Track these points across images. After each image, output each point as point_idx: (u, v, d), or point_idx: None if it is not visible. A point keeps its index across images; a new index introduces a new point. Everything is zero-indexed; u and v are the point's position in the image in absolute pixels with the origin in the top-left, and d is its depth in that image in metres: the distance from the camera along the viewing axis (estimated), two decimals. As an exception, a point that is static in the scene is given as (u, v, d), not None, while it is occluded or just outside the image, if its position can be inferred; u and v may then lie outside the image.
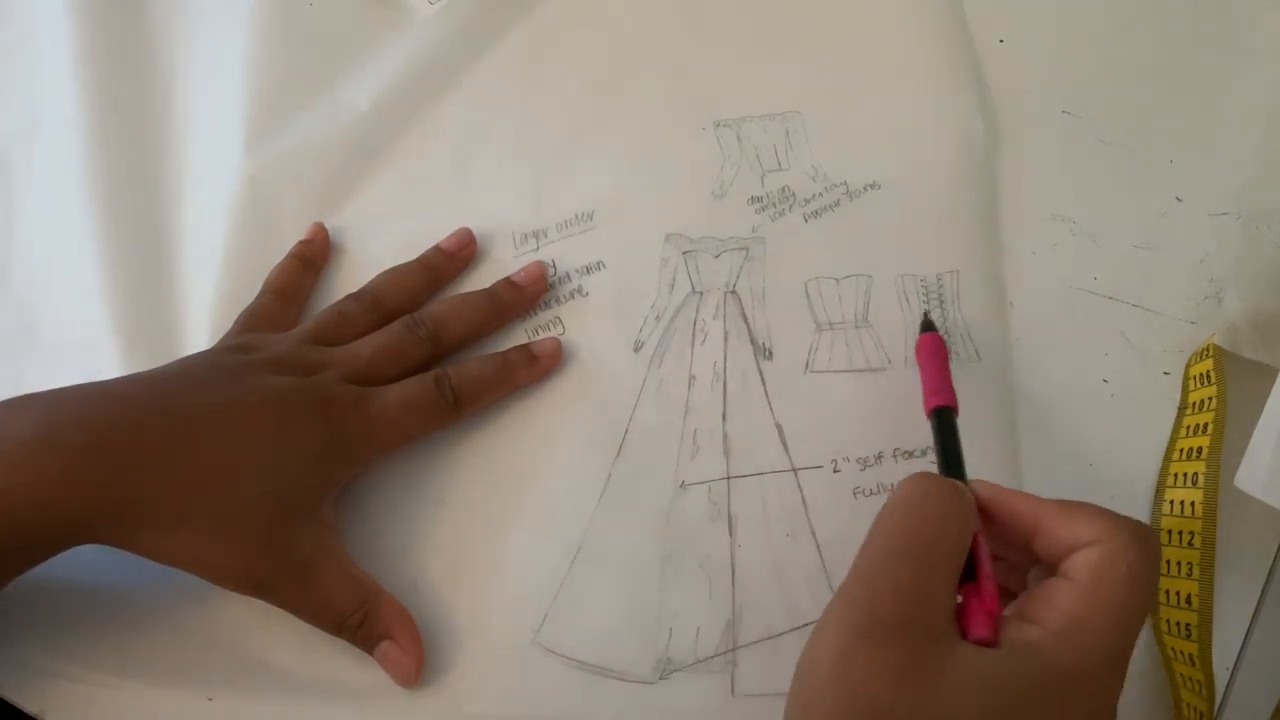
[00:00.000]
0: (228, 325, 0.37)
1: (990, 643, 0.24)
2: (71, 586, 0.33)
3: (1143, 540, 0.25)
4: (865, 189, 0.41)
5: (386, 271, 0.39)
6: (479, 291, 0.38)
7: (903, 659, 0.23)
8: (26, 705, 0.32)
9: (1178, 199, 0.41)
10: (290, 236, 0.40)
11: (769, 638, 0.33)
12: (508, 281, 0.39)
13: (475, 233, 0.40)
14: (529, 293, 0.39)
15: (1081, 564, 0.25)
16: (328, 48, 0.44)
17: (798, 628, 0.34)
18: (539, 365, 0.37)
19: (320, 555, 0.32)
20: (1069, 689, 0.23)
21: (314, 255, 0.40)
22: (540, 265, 0.39)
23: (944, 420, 0.32)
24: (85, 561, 0.33)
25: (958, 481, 0.28)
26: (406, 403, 0.34)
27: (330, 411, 0.33)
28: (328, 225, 0.41)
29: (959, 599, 0.25)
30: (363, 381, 0.34)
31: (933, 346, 0.36)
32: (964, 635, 0.25)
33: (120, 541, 0.30)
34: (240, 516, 0.31)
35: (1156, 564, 0.26)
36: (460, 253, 0.40)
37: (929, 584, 0.25)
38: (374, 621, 0.32)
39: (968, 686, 0.23)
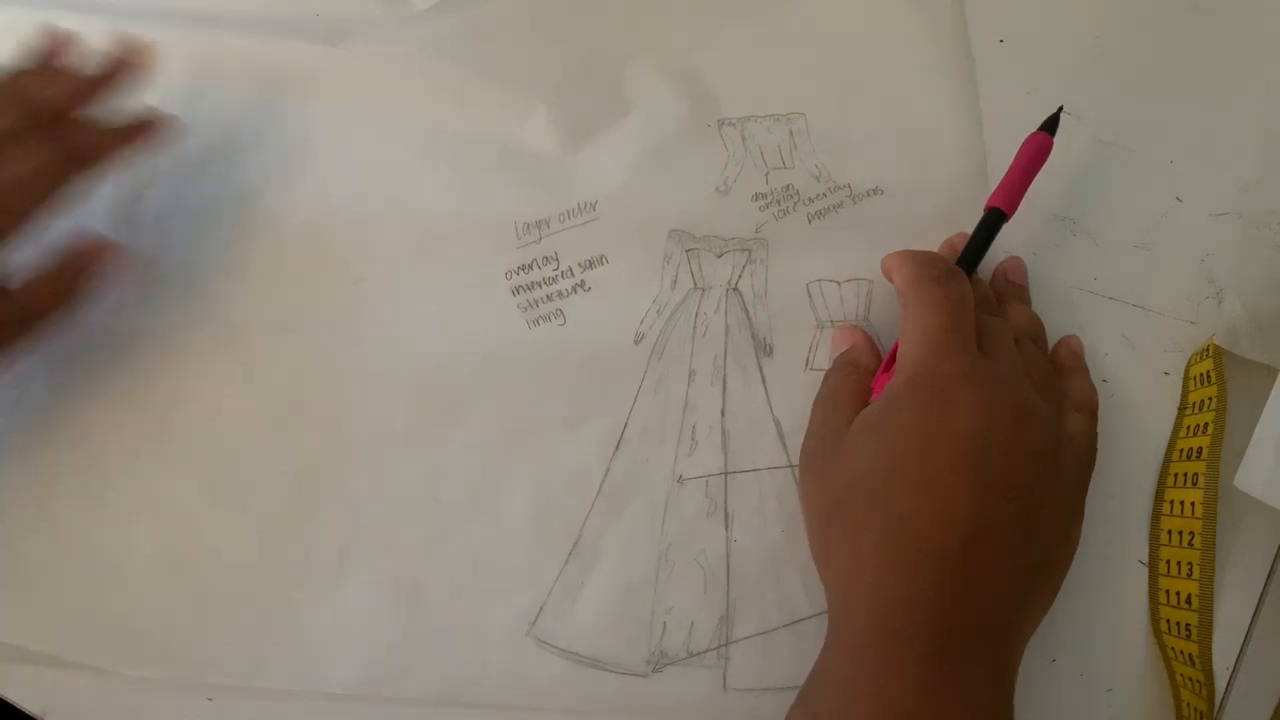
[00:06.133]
0: None
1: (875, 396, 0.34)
2: (72, 587, 0.34)
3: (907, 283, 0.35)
4: (869, 194, 0.41)
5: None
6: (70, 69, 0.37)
7: (822, 465, 0.33)
8: (27, 705, 0.32)
9: (1178, 199, 0.41)
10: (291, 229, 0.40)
11: (762, 633, 0.33)
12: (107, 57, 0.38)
13: (477, 224, 0.40)
14: (126, 65, 0.38)
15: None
16: (327, 39, 0.44)
17: (791, 623, 0.34)
18: (157, 128, 0.37)
19: None
20: (898, 397, 0.32)
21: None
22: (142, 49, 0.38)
23: (988, 220, 0.37)
24: (85, 563, 0.33)
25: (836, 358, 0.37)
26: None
27: None
28: (329, 220, 0.41)
29: None
30: None
31: (1032, 150, 0.37)
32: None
33: None
34: None
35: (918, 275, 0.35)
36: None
37: (830, 420, 0.34)
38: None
39: (856, 429, 0.32)
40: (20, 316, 0.35)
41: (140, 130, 0.38)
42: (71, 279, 0.36)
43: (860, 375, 0.35)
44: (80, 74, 0.37)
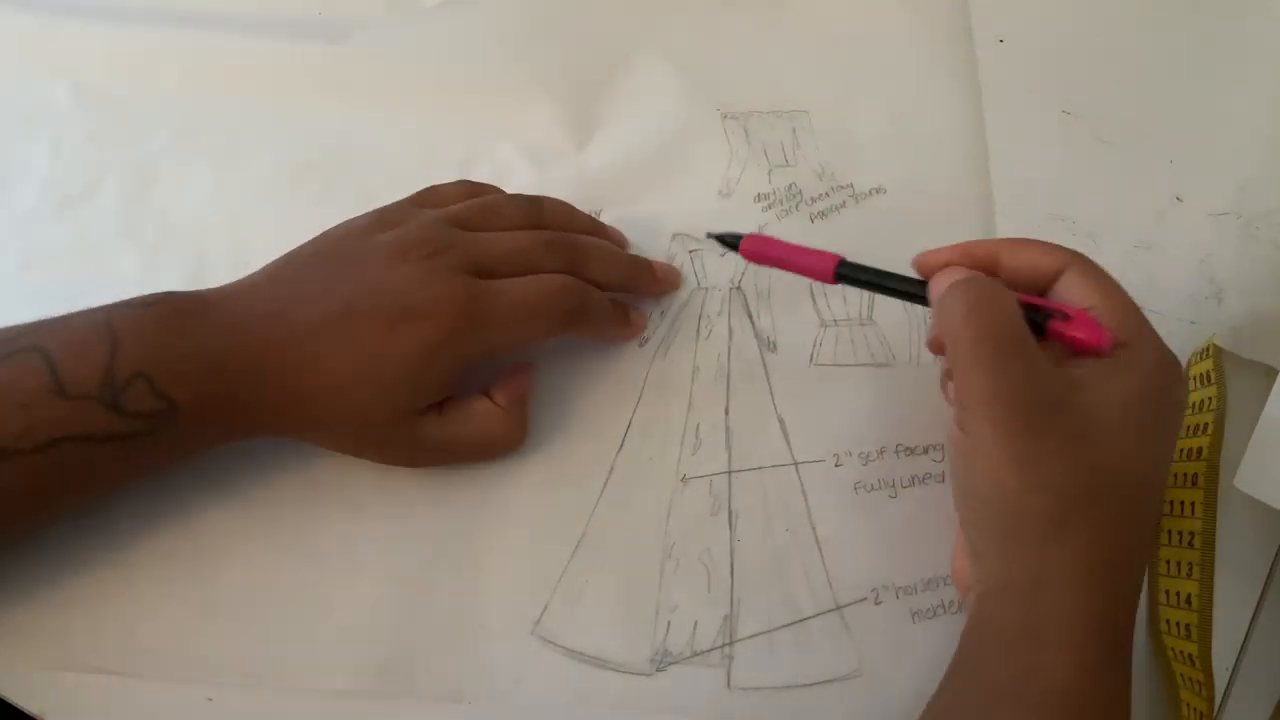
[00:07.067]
0: None
1: (1108, 342, 0.29)
2: (72, 588, 0.33)
3: (1082, 256, 0.31)
4: (871, 193, 0.42)
5: (560, 200, 0.39)
6: (627, 253, 0.39)
7: (1060, 427, 0.27)
8: (27, 705, 0.32)
9: (1178, 199, 0.41)
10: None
11: (766, 632, 0.33)
12: (649, 265, 0.39)
13: None
14: (659, 286, 0.39)
15: (1077, 292, 0.30)
16: (329, 37, 0.44)
17: (795, 622, 0.34)
18: (632, 331, 0.38)
19: (448, 430, 0.34)
20: (1164, 376, 0.29)
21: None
22: (679, 273, 0.40)
23: (853, 268, 0.32)
24: (86, 562, 0.33)
25: (971, 273, 0.30)
26: (521, 304, 0.34)
27: (440, 311, 0.32)
28: (333, 220, 0.41)
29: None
30: (486, 274, 0.34)
31: (762, 241, 0.34)
32: (1079, 352, 0.29)
33: (283, 437, 0.34)
34: (358, 425, 0.33)
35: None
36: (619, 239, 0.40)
37: (1034, 364, 0.28)
38: (516, 418, 0.35)
39: (1107, 405, 0.28)
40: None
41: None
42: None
43: (1000, 285, 0.29)
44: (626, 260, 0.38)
